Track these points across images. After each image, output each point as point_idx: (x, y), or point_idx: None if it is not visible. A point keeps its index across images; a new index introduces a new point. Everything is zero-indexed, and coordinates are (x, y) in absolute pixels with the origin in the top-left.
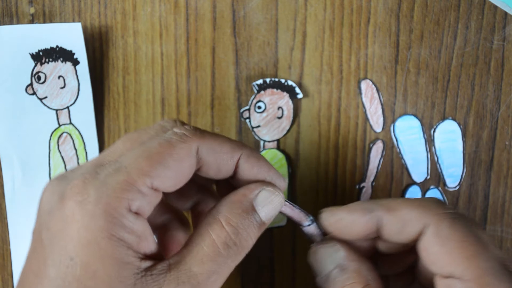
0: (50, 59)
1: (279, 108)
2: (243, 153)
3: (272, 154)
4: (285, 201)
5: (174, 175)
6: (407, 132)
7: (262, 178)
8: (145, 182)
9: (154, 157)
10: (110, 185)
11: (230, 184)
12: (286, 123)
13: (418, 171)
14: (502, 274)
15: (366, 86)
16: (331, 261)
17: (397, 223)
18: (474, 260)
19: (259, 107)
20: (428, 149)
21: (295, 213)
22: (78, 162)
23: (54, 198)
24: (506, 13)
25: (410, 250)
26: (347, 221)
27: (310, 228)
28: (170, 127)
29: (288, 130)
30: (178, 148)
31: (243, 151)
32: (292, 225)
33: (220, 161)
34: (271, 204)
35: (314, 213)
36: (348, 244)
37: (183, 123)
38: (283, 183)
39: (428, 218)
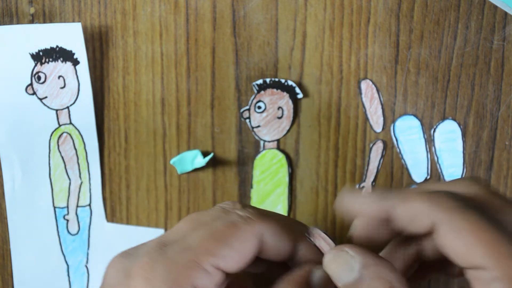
0: (50, 59)
1: (279, 108)
2: (302, 238)
3: (272, 154)
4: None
5: (238, 256)
6: (407, 132)
7: (317, 260)
8: (211, 261)
9: (220, 238)
10: (178, 263)
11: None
12: (286, 123)
13: (418, 171)
14: None
15: (366, 86)
16: (348, 269)
17: (408, 215)
18: (492, 248)
19: (259, 107)
20: (428, 149)
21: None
22: (78, 162)
23: (120, 274)
24: (506, 13)
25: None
26: (361, 201)
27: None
28: (232, 209)
29: (288, 130)
30: (243, 230)
31: (302, 235)
32: None
33: (280, 245)
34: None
35: (314, 212)
36: (364, 247)
37: (244, 205)
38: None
39: (438, 213)
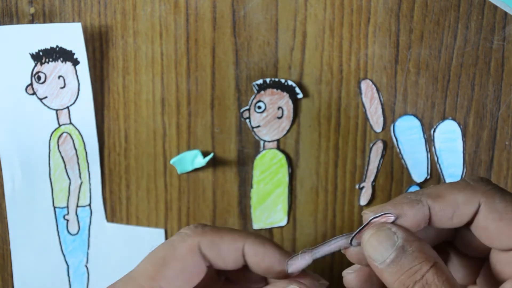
0: (50, 59)
1: (279, 108)
2: (247, 242)
3: (272, 154)
4: (313, 256)
5: (181, 274)
6: (407, 132)
7: (271, 264)
8: (153, 286)
9: (158, 261)
10: None
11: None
12: (286, 123)
13: (418, 171)
14: None
15: (366, 86)
16: (391, 244)
17: (448, 210)
18: None
19: (259, 107)
20: (428, 149)
21: (332, 248)
22: (78, 162)
23: None
24: (506, 13)
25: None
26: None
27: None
28: (184, 228)
29: (288, 130)
30: (179, 248)
31: (246, 239)
32: (293, 225)
33: (223, 254)
34: None
35: (314, 212)
36: (404, 227)
37: (198, 224)
38: (298, 265)
39: (478, 198)
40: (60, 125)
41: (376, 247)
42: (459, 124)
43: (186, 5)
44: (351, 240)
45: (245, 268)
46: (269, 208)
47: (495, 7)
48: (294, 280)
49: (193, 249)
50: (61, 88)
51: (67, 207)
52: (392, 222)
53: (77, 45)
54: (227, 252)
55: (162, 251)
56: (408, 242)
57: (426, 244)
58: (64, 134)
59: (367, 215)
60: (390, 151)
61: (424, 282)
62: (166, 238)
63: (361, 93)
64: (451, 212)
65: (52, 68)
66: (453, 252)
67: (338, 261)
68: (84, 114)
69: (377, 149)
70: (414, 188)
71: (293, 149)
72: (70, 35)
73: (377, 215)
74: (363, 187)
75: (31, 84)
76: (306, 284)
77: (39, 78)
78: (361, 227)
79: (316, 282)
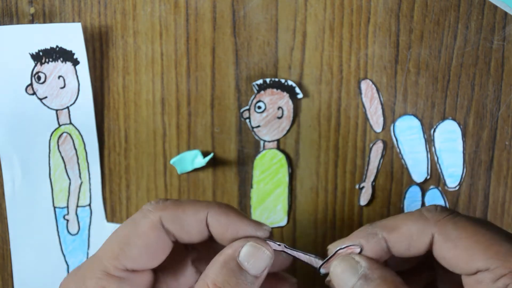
0: (50, 59)
1: (279, 108)
2: (209, 212)
3: (272, 154)
4: (285, 248)
5: (144, 252)
6: (407, 132)
7: (235, 233)
8: (117, 266)
9: (121, 240)
10: (87, 277)
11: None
12: (286, 123)
13: (418, 171)
14: None
15: (366, 86)
16: (353, 272)
17: (403, 241)
18: (492, 248)
19: (259, 107)
20: (428, 149)
21: (303, 257)
22: (78, 162)
23: None
24: (506, 13)
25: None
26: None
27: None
28: (146, 206)
29: (288, 130)
30: (141, 225)
31: (209, 209)
32: (292, 225)
33: (187, 227)
34: (257, 258)
35: (314, 212)
36: (367, 256)
37: (159, 199)
38: (262, 232)
39: (431, 228)
40: (60, 125)
41: (341, 276)
42: (459, 124)
43: (186, 5)
44: (319, 268)
45: (211, 239)
46: (269, 208)
47: (495, 7)
48: (252, 238)
49: (156, 224)
50: (61, 88)
51: (67, 207)
52: (359, 253)
53: (77, 45)
54: (191, 225)
55: (125, 229)
56: (371, 270)
57: (389, 271)
58: (64, 134)
59: (331, 249)
60: (390, 151)
61: None
62: None
63: (361, 93)
64: (407, 243)
65: (52, 68)
66: (440, 268)
67: None
68: (84, 114)
69: (377, 149)
70: (414, 188)
71: (293, 149)
72: (70, 35)
73: (343, 247)
74: (363, 187)
75: (31, 84)
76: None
77: (39, 78)
78: (327, 258)
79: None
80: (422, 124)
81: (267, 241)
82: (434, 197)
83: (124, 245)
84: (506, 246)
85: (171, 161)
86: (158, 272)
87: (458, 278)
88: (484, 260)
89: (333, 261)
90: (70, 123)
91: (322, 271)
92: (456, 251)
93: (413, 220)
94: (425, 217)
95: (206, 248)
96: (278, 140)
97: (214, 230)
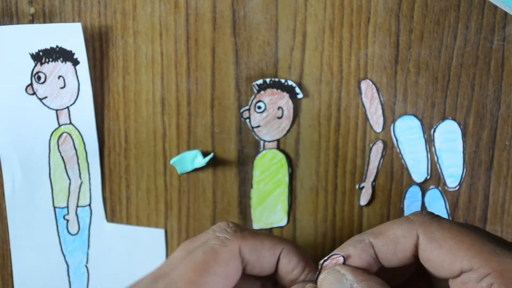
0: (50, 59)
1: (279, 108)
2: (284, 248)
3: (272, 154)
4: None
5: (222, 280)
6: (407, 132)
7: (297, 273)
8: None
9: (200, 266)
10: None
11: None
12: (286, 123)
13: (418, 171)
14: (503, 248)
15: (366, 86)
16: (339, 286)
17: (390, 245)
18: (475, 248)
19: (259, 107)
20: (428, 149)
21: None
22: (78, 162)
23: None
24: (506, 13)
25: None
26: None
27: None
28: (219, 231)
29: (288, 130)
30: (222, 253)
31: (284, 246)
32: (292, 225)
33: (262, 259)
34: None
35: (314, 212)
36: (353, 266)
37: (229, 224)
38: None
39: (416, 229)
40: (60, 125)
41: None
42: (459, 124)
43: (186, 5)
44: (315, 281)
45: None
46: (269, 208)
47: (495, 7)
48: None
49: (235, 254)
50: (61, 88)
51: (67, 207)
52: (344, 263)
53: (77, 45)
54: (266, 258)
55: (203, 255)
56: (358, 283)
57: (376, 280)
58: (64, 134)
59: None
60: (390, 151)
61: None
62: (166, 238)
63: (361, 93)
64: (393, 247)
65: (52, 68)
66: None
67: None
68: (84, 114)
69: (377, 149)
70: (414, 188)
71: (293, 149)
72: (70, 35)
73: (326, 258)
74: (363, 187)
75: (31, 84)
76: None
77: (39, 78)
78: (317, 272)
79: None
80: (422, 124)
81: None
82: (434, 197)
83: (203, 271)
84: (490, 245)
85: (171, 161)
86: None
87: None
88: (467, 259)
89: (320, 274)
90: (70, 123)
91: None
92: (440, 251)
93: (399, 223)
94: (411, 220)
95: (266, 280)
96: (278, 140)
97: (283, 267)
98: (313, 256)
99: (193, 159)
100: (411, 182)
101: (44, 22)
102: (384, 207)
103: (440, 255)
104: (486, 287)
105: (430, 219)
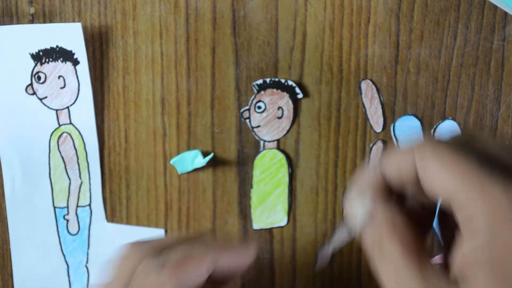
0: (50, 59)
1: (279, 108)
2: (210, 266)
3: (272, 154)
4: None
5: None
6: (407, 132)
7: (237, 270)
8: None
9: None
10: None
11: None
12: (286, 123)
13: None
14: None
15: (366, 86)
16: (362, 205)
17: (394, 165)
18: (460, 173)
19: (259, 107)
20: None
21: (339, 240)
22: (78, 162)
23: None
24: (506, 13)
25: None
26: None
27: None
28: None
29: (288, 130)
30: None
31: (209, 263)
32: (292, 225)
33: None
34: None
35: (314, 212)
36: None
37: (152, 262)
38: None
39: (412, 153)
40: (60, 125)
41: (351, 212)
42: (459, 124)
43: (186, 5)
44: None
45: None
46: (269, 208)
47: (495, 7)
48: None
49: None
50: (61, 88)
51: (67, 207)
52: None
53: (77, 45)
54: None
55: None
56: (374, 207)
57: (391, 208)
58: (64, 134)
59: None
60: None
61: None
62: None
63: (361, 93)
64: (397, 169)
65: (52, 68)
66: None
67: (338, 261)
68: (84, 114)
69: (377, 149)
70: None
71: (293, 149)
72: (70, 35)
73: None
74: None
75: (31, 84)
76: None
77: (39, 78)
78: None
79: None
80: (422, 124)
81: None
82: None
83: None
84: (476, 172)
85: (171, 161)
86: None
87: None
88: (453, 185)
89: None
90: (70, 123)
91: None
92: (426, 171)
93: (400, 151)
94: (415, 143)
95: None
96: (278, 140)
97: (224, 275)
98: (313, 256)
99: (193, 159)
100: None
101: (44, 22)
102: None
103: (430, 173)
104: (462, 219)
105: (428, 142)
